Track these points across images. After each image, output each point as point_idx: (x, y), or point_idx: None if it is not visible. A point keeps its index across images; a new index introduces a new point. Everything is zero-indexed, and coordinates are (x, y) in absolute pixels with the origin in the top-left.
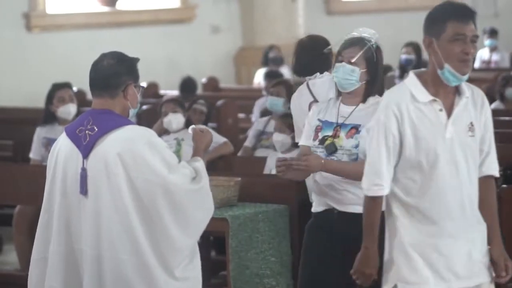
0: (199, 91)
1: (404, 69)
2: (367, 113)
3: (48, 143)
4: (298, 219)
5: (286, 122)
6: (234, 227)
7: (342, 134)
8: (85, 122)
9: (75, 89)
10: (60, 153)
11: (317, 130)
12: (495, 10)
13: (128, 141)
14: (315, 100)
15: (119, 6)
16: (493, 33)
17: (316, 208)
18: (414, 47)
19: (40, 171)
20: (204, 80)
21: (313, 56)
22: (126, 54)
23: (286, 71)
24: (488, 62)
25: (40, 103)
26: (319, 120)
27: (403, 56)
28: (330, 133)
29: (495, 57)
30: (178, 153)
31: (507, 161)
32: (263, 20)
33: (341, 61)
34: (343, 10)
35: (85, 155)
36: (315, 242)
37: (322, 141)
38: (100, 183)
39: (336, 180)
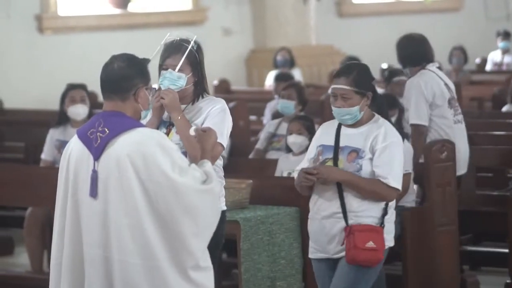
0: (211, 93)
1: None
2: (190, 117)
3: (61, 145)
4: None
5: (304, 124)
6: (245, 229)
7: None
8: (96, 124)
9: None
10: (71, 156)
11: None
12: (507, 12)
13: (139, 143)
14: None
15: (131, 8)
16: (506, 35)
17: None
18: None
19: (51, 173)
20: (215, 82)
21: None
22: (136, 55)
23: (297, 73)
24: (500, 64)
25: (52, 105)
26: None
27: None
28: (164, 130)
29: (507, 59)
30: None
31: None
32: (275, 23)
33: (166, 69)
34: (354, 13)
35: (96, 157)
36: None
37: None
38: (110, 185)
39: None
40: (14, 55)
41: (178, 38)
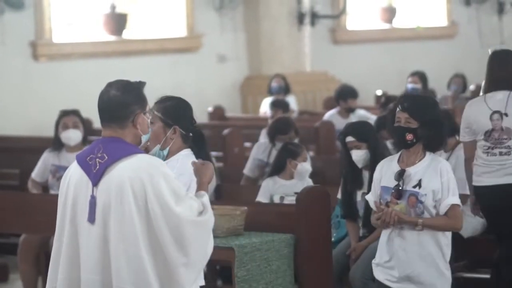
0: (206, 120)
1: None
2: None
3: (56, 170)
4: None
5: None
6: (240, 256)
7: None
8: (95, 150)
9: None
10: (71, 181)
11: None
12: (501, 39)
13: (137, 170)
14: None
15: (126, 35)
16: None
17: None
18: (420, 76)
19: (45, 200)
20: (210, 109)
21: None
22: (131, 81)
23: (292, 100)
24: None
25: (47, 132)
26: None
27: (409, 85)
28: None
29: None
30: None
31: None
32: (270, 50)
33: None
34: (349, 40)
35: (95, 183)
36: None
37: None
38: (109, 211)
39: None
40: (8, 82)
41: None
